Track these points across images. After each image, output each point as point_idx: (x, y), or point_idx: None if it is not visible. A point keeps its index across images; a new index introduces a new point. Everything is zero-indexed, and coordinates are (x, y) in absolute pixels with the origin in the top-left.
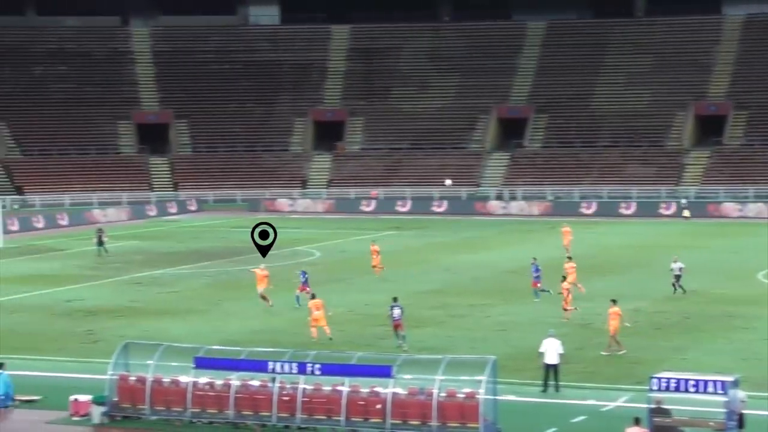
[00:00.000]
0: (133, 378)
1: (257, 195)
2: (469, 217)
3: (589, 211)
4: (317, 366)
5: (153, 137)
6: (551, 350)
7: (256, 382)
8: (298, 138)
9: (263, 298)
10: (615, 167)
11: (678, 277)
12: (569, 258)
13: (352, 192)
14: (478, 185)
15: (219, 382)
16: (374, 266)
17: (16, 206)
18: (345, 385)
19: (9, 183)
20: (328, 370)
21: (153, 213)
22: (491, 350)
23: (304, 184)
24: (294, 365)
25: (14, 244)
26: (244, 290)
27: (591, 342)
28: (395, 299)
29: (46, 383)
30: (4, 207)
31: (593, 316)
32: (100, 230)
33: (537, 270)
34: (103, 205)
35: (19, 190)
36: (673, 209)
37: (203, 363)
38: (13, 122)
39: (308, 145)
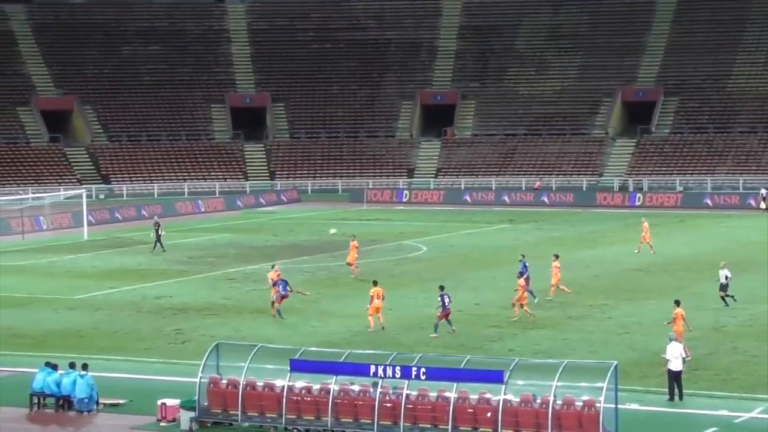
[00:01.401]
0: (225, 381)
1: (360, 184)
2: (589, 209)
3: (723, 203)
4: (423, 370)
5: (248, 122)
6: (675, 355)
7: (356, 387)
8: (405, 123)
9: (273, 304)
10: (752, 155)
11: (724, 287)
12: (556, 256)
13: (463, 181)
14: (600, 174)
15: (316, 386)
16: (349, 264)
17: (101, 196)
18: (452, 391)
19: (95, 171)
20: (435, 374)
21: (248, 203)
22: (612, 355)
23: (410, 173)
24: (398, 369)
25: (99, 237)
26: (344, 288)
27: (724, 347)
28: (442, 287)
29: (132, 386)
30: (89, 197)
31: (727, 319)
32: (156, 224)
33: (525, 268)
34: (194, 194)
35: (105, 179)
36: None
37: (300, 366)
38: (100, 106)
39: (415, 131)
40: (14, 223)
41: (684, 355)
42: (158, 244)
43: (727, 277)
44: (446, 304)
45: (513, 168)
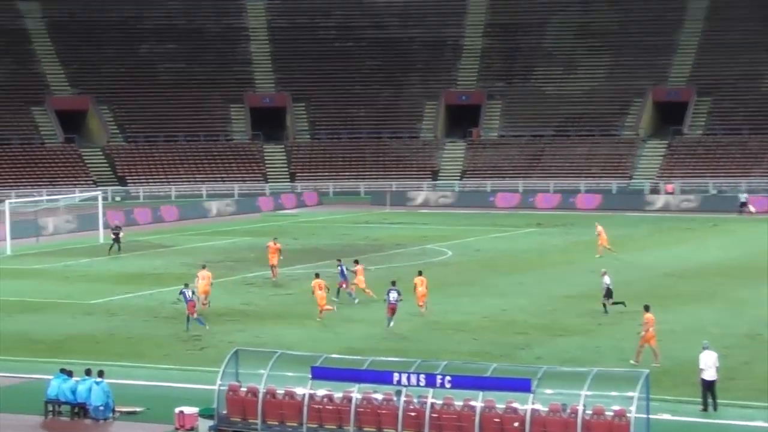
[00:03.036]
0: (244, 389)
1: (383, 187)
2: (619, 212)
3: (758, 207)
4: (448, 378)
5: (268, 122)
6: (709, 364)
7: (379, 396)
8: (429, 124)
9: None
10: None
11: (609, 293)
12: (356, 261)
13: (488, 184)
14: (630, 177)
15: (338, 394)
16: (272, 266)
17: (118, 198)
18: (478, 400)
19: (111, 173)
20: (460, 383)
21: (267, 206)
22: (644, 363)
23: (434, 175)
24: (422, 377)
25: None
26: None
27: (760, 355)
28: (394, 282)
29: (149, 393)
30: (105, 199)
31: (763, 327)
32: (117, 227)
33: (342, 273)
34: (213, 197)
35: (121, 181)
36: None
37: (321, 373)
38: (116, 106)
39: (440, 132)
40: (29, 225)
41: (717, 365)
42: (116, 245)
43: (608, 284)
44: (391, 299)
45: (540, 170)
